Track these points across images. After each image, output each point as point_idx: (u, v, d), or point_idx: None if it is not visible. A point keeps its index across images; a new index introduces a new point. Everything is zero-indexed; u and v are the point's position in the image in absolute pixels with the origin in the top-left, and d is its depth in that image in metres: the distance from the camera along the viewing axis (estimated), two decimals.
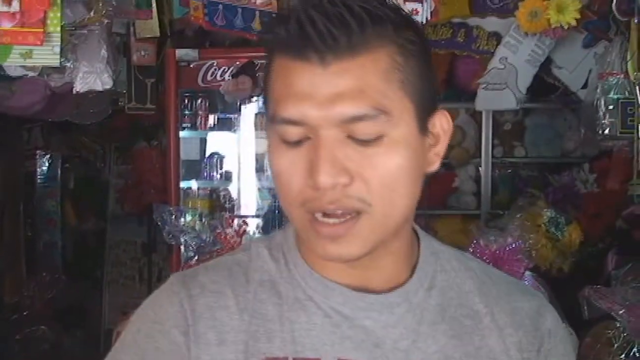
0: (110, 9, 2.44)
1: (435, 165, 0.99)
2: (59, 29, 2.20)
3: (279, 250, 1.04)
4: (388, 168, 0.91)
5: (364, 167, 0.90)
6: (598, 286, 2.24)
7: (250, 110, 4.23)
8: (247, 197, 4.30)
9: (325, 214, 0.91)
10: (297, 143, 0.91)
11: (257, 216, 4.20)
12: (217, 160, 4.31)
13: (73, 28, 2.44)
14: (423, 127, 0.95)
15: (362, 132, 0.89)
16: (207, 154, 4.34)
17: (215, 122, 4.32)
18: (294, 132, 0.91)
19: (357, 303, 0.98)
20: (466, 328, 1.00)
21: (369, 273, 0.99)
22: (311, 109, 0.89)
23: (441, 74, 4.16)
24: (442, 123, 0.98)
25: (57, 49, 2.24)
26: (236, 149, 4.30)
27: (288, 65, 0.91)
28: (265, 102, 0.97)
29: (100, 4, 2.37)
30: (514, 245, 2.29)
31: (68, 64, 2.52)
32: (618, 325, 2.27)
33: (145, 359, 0.97)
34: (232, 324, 0.98)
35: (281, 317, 0.98)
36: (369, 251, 0.94)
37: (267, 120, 0.96)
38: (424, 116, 0.95)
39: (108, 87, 2.71)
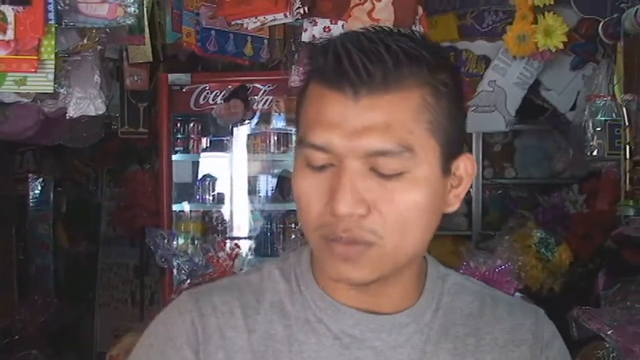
0: (104, 35, 2.46)
1: (454, 207, 1.01)
2: (53, 56, 2.22)
3: (291, 271, 1.06)
4: (405, 204, 0.93)
5: (382, 200, 0.92)
6: (587, 307, 2.25)
7: (242, 133, 4.26)
8: (240, 219, 4.31)
9: (337, 239, 0.94)
10: (321, 168, 0.94)
11: (249, 238, 4.21)
12: (209, 183, 4.32)
13: (66, 55, 2.46)
14: (447, 168, 0.97)
15: (385, 167, 0.92)
16: (200, 176, 4.35)
17: (208, 145, 4.34)
18: (319, 158, 0.94)
19: (368, 325, 1.00)
20: (469, 347, 1.03)
21: (380, 299, 1.01)
22: (338, 138, 0.91)
23: None
24: (466, 166, 1.00)
25: (51, 76, 2.26)
26: (228, 171, 4.32)
27: (322, 94, 0.94)
28: (297, 125, 1.00)
29: (94, 31, 2.39)
30: (503, 267, 2.31)
31: (61, 90, 2.53)
32: (607, 345, 2.28)
33: None
34: (241, 344, 1.00)
35: (290, 338, 1.00)
36: (378, 279, 0.96)
37: (296, 142, 0.99)
38: (448, 158, 0.97)
39: (101, 112, 2.73)
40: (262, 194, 4.33)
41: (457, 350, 1.03)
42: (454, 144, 0.97)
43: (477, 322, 1.05)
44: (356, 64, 0.90)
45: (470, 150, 4.69)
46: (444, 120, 0.95)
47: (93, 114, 2.70)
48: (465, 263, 2.35)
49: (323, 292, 1.02)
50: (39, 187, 5.97)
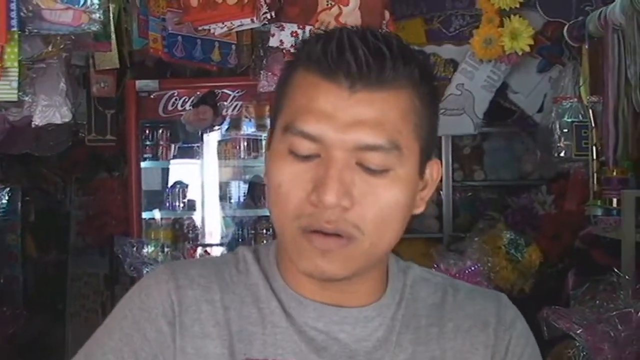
0: (69, 42, 2.43)
1: (420, 209, 1.02)
2: (16, 64, 2.19)
3: (261, 259, 1.06)
4: (387, 201, 0.94)
5: (365, 195, 0.93)
6: (557, 307, 2.27)
7: (212, 139, 4.24)
8: (211, 225, 4.29)
9: (316, 231, 0.93)
10: (305, 158, 0.93)
11: (221, 244, 4.19)
12: (179, 190, 4.29)
13: (31, 62, 2.43)
14: (422, 171, 0.99)
15: (372, 162, 0.92)
16: (170, 183, 4.32)
17: (177, 152, 4.31)
18: (306, 147, 0.93)
19: (331, 317, 1.01)
20: (431, 335, 1.04)
21: (345, 295, 1.02)
22: (330, 130, 0.92)
23: None
24: (432, 171, 1.02)
25: (15, 84, 2.23)
26: (199, 178, 4.29)
27: (315, 82, 0.93)
28: (276, 111, 0.99)
29: (59, 38, 2.36)
30: (473, 268, 2.33)
31: (26, 98, 2.50)
32: (578, 344, 2.30)
33: (131, 346, 0.99)
34: (217, 318, 1.00)
35: (264, 321, 1.01)
36: (350, 275, 0.97)
37: (277, 129, 0.98)
38: (424, 161, 0.99)
39: (67, 120, 2.70)
40: (234, 200, 4.31)
41: (420, 339, 1.03)
42: (429, 149, 1.00)
43: (439, 311, 1.06)
44: (359, 57, 0.91)
45: (440, 154, 4.71)
46: (426, 125, 0.97)
47: (59, 121, 2.67)
48: (435, 265, 2.36)
49: (286, 285, 1.03)
50: (6, 197, 5.87)
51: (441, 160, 4.72)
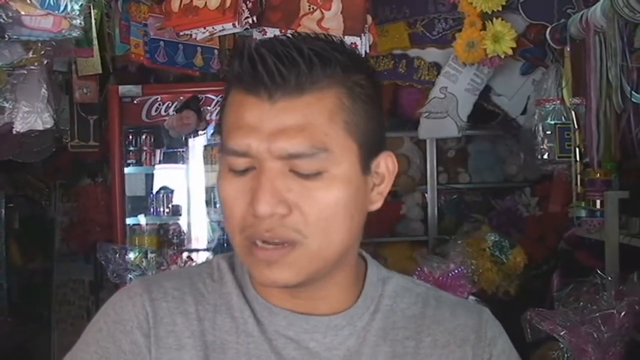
0: (50, 48, 2.42)
1: (377, 204, 1.02)
2: None
3: (236, 268, 1.07)
4: (326, 202, 0.94)
5: (303, 199, 0.93)
6: (540, 309, 2.28)
7: (198, 144, 4.23)
8: (197, 230, 4.27)
9: (263, 241, 0.94)
10: (243, 172, 0.95)
11: (207, 249, 4.17)
12: (164, 195, 4.28)
13: (11, 69, 2.42)
14: (366, 166, 0.98)
15: (302, 168, 0.93)
16: (155, 189, 4.30)
17: (162, 157, 4.30)
18: (240, 162, 0.95)
19: (302, 326, 1.01)
20: (407, 349, 1.03)
21: (315, 302, 1.02)
22: (256, 142, 0.92)
23: (385, 103, 4.20)
24: (387, 163, 1.01)
25: None
26: (184, 183, 4.28)
27: (240, 99, 0.95)
28: (219, 133, 1.01)
29: (39, 44, 2.35)
30: (456, 271, 2.33)
31: (7, 105, 2.49)
32: (561, 346, 2.31)
33: (106, 358, 0.99)
34: (192, 330, 1.01)
35: (237, 330, 1.01)
36: (305, 280, 0.96)
37: (220, 149, 1.00)
38: (368, 156, 0.98)
39: (49, 126, 2.69)
40: (219, 205, 4.29)
41: (396, 352, 1.03)
42: (373, 143, 0.98)
43: (418, 324, 1.06)
44: (270, 68, 0.92)
45: (424, 156, 4.72)
46: (361, 121, 0.96)
47: (40, 128, 2.66)
48: (419, 269, 2.36)
49: (258, 295, 1.03)
50: None
51: (425, 163, 4.73)
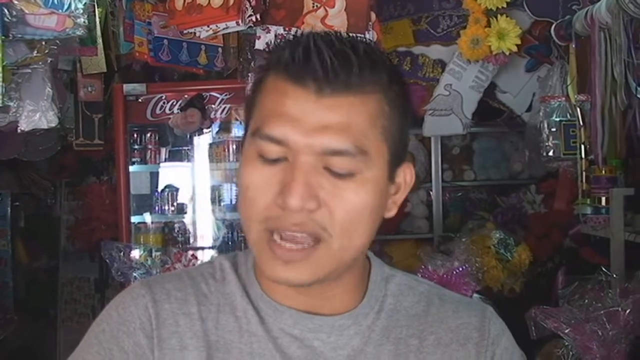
0: (54, 47, 2.42)
1: (391, 212, 1.03)
2: (0, 69, 2.18)
3: (238, 267, 1.07)
4: (355, 203, 0.94)
5: (332, 198, 0.93)
6: (545, 306, 2.27)
7: (202, 142, 4.23)
8: (202, 228, 4.28)
9: (282, 238, 0.94)
10: (274, 161, 0.94)
11: (212, 247, 4.18)
12: (169, 194, 4.28)
13: (16, 67, 2.42)
14: (392, 174, 0.99)
15: (338, 166, 0.93)
16: (160, 187, 4.31)
17: (167, 155, 4.31)
18: (273, 150, 0.94)
19: (306, 325, 1.01)
20: (411, 347, 1.04)
21: (320, 302, 1.02)
22: (296, 134, 0.92)
23: None
24: (406, 175, 1.03)
25: (0, 90, 2.21)
26: (189, 181, 4.29)
27: (284, 87, 0.94)
28: (248, 116, 1.00)
29: (43, 43, 2.35)
30: (460, 269, 2.33)
31: (12, 104, 2.49)
32: (566, 343, 2.30)
33: (109, 359, 0.99)
34: (195, 331, 1.01)
35: (240, 329, 1.01)
36: (319, 280, 0.96)
37: (248, 133, 0.99)
38: (394, 165, 0.99)
39: (53, 125, 2.68)
40: (224, 203, 4.30)
41: (399, 351, 1.03)
42: (400, 153, 1.00)
43: (421, 322, 1.06)
44: (325, 61, 0.91)
45: (429, 154, 4.72)
46: (395, 130, 0.97)
47: (45, 126, 2.65)
48: (423, 267, 2.36)
49: (263, 293, 1.03)
50: None
51: (430, 161, 4.72)
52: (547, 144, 3.30)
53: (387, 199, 1.01)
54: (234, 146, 4.18)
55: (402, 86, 1.00)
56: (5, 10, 2.12)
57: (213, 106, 4.08)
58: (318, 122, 0.92)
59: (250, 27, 2.54)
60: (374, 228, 0.99)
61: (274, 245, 0.94)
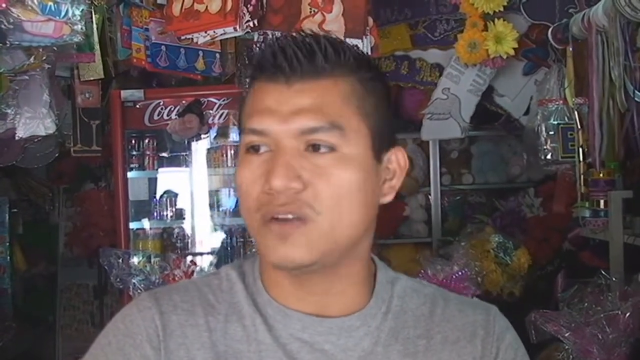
0: (51, 54, 2.42)
1: (389, 197, 1.06)
2: None
3: (245, 276, 1.08)
4: (339, 181, 0.97)
5: (316, 177, 0.97)
6: (545, 310, 2.27)
7: (200, 147, 4.23)
8: (201, 234, 4.28)
9: (275, 219, 0.97)
10: (260, 153, 0.99)
11: (211, 253, 4.17)
12: (167, 200, 4.28)
13: (13, 74, 2.41)
14: (378, 156, 1.02)
15: (316, 141, 0.97)
16: (158, 193, 4.30)
17: (165, 161, 4.30)
18: (256, 139, 0.99)
19: (316, 328, 1.02)
20: (419, 347, 1.05)
21: (328, 299, 1.03)
22: (274, 123, 0.98)
23: None
24: (398, 158, 1.06)
25: None
26: (187, 186, 4.28)
27: (261, 87, 1.01)
28: (240, 122, 1.06)
29: (41, 50, 2.35)
30: (460, 273, 2.33)
31: (9, 110, 2.49)
32: (566, 347, 2.30)
33: None
34: (202, 342, 1.01)
35: (249, 338, 1.02)
36: (318, 260, 0.98)
37: (240, 137, 1.04)
38: (380, 145, 1.02)
39: (51, 131, 2.68)
40: (222, 208, 4.30)
41: (408, 350, 1.04)
42: (384, 136, 1.03)
43: (428, 323, 1.07)
44: (289, 55, 0.98)
45: (427, 158, 4.72)
46: (372, 112, 1.02)
47: (43, 133, 2.65)
48: (422, 271, 2.36)
49: (271, 298, 1.04)
50: None
51: (429, 165, 4.72)
52: (545, 147, 3.30)
53: (381, 185, 1.04)
54: (232, 151, 4.18)
55: (375, 72, 1.05)
56: (2, 18, 2.12)
57: (211, 112, 4.08)
58: (292, 107, 0.97)
59: (247, 32, 2.54)
60: (367, 209, 1.01)
61: (270, 224, 0.97)
